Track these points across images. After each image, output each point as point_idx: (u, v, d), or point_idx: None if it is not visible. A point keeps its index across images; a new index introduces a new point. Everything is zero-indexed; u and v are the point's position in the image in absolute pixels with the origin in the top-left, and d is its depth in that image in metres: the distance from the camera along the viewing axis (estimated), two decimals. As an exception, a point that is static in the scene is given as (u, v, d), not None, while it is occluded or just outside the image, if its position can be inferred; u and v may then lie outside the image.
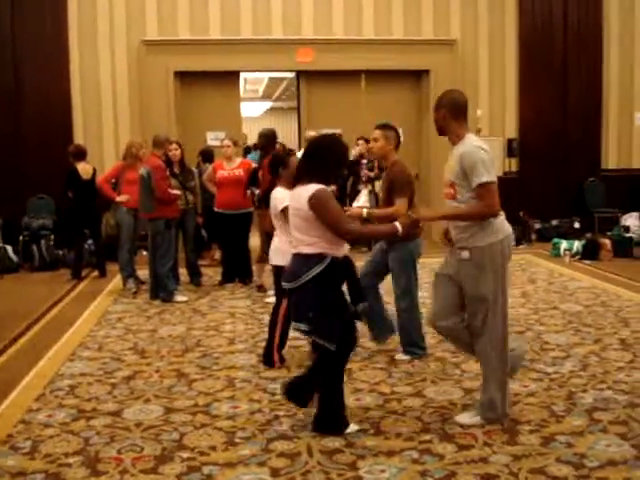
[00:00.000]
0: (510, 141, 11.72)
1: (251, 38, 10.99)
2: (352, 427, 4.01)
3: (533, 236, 11.38)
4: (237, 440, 3.92)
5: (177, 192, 7.72)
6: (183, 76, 11.06)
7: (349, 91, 11.36)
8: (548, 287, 7.97)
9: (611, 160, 12.14)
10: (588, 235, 10.74)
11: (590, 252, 9.76)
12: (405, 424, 4.11)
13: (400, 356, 5.39)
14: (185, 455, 3.73)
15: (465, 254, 4.00)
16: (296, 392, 4.12)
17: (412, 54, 11.26)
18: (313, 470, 3.53)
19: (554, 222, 11.54)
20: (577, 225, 11.45)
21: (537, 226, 11.50)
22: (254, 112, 22.81)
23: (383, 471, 3.52)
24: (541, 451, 3.70)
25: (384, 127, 5.45)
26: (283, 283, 4.03)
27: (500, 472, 3.47)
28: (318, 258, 3.85)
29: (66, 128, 10.71)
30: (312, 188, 3.85)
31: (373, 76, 11.41)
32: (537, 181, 11.56)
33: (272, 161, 5.77)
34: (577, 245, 9.94)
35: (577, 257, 9.73)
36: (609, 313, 6.68)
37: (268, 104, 23.38)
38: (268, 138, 7.83)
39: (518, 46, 11.68)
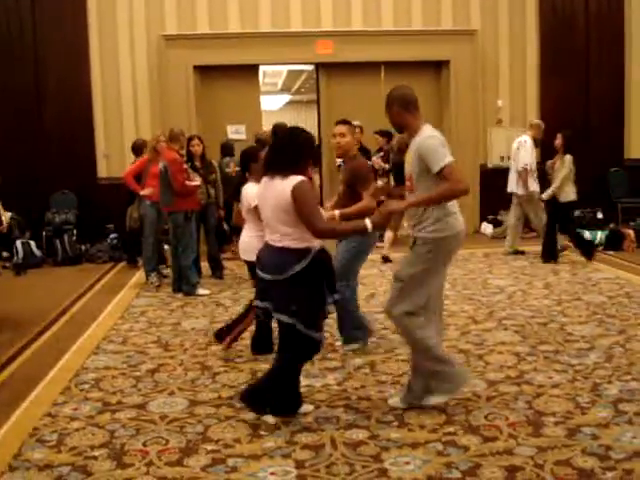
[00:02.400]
0: (532, 131, 11.63)
1: (270, 31, 10.99)
2: (305, 407, 4.19)
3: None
4: (261, 432, 3.93)
5: (196, 183, 7.72)
6: (203, 70, 11.08)
7: (369, 83, 11.32)
8: (571, 278, 7.92)
9: (634, 149, 12.00)
10: (611, 225, 10.66)
11: (613, 242, 9.69)
12: (429, 416, 4.10)
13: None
14: (210, 447, 3.75)
15: (412, 242, 4.15)
16: (256, 398, 4.17)
17: (432, 45, 11.21)
18: (338, 462, 3.54)
19: (577, 212, 11.41)
20: (600, 215, 11.33)
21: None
22: (273, 105, 22.79)
23: (407, 463, 3.51)
24: (566, 443, 3.67)
25: (346, 122, 5.51)
26: (264, 275, 4.04)
27: (525, 464, 3.45)
28: (304, 252, 3.90)
29: (87, 124, 10.80)
30: (295, 179, 3.87)
31: (393, 67, 11.35)
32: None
33: (242, 156, 5.77)
34: (600, 235, 9.86)
35: (600, 248, 9.65)
36: (633, 304, 6.62)
37: (287, 97, 23.36)
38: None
39: (539, 35, 11.58)
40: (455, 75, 11.33)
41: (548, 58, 11.59)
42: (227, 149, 10.03)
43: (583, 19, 11.56)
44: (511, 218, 9.65)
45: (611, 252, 9.45)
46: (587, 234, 9.90)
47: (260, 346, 5.36)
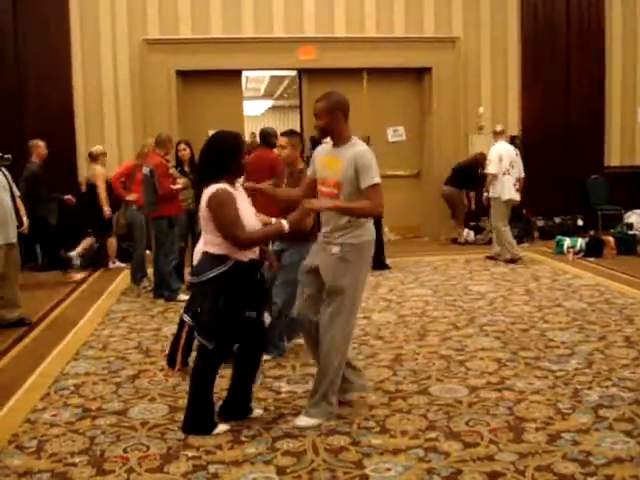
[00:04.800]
0: (513, 138, 11.68)
1: (253, 36, 10.99)
2: (221, 427, 4.03)
3: (536, 234, 11.39)
4: (243, 438, 3.91)
5: (178, 186, 7.69)
6: (185, 75, 11.06)
7: (351, 89, 11.22)
8: (552, 285, 7.96)
9: (614, 157, 12.14)
10: (591, 232, 10.76)
11: (594, 249, 9.75)
12: (410, 422, 4.10)
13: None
14: (191, 454, 3.73)
15: (335, 249, 4.07)
16: (233, 409, 4.18)
17: (414, 51, 11.27)
18: (319, 468, 3.53)
19: (557, 219, 11.55)
20: (580, 222, 11.46)
21: (540, 223, 11.49)
22: (256, 111, 22.78)
23: (389, 469, 3.51)
24: (547, 449, 3.69)
25: (290, 134, 5.49)
26: (188, 277, 4.12)
27: (506, 470, 3.46)
28: (221, 259, 3.89)
29: (69, 128, 10.72)
30: (213, 188, 3.88)
31: (375, 74, 11.41)
32: (540, 178, 11.51)
33: None
34: (580, 242, 9.92)
35: (581, 254, 9.72)
36: (613, 310, 6.67)
37: (270, 102, 23.35)
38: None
39: (520, 43, 11.67)
40: (437, 82, 11.39)
41: (529, 65, 11.69)
42: None
43: (564, 27, 11.67)
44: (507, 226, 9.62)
45: (591, 259, 9.52)
46: (568, 241, 9.97)
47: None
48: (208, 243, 3.98)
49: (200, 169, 4.07)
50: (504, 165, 9.36)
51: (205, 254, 4.00)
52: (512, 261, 9.30)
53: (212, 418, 4.05)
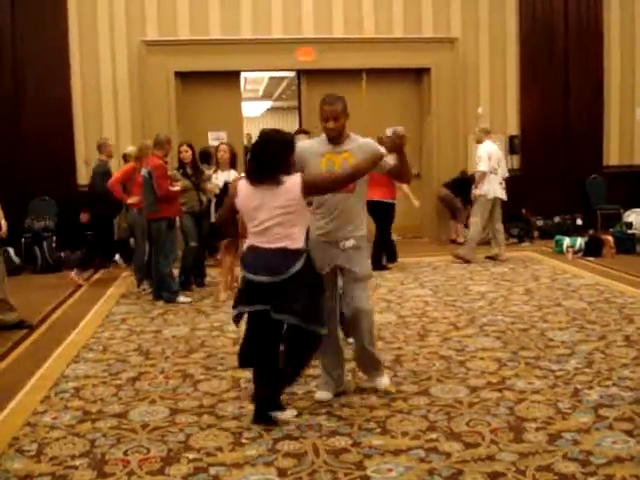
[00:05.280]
0: (512, 138, 11.73)
1: (251, 38, 10.99)
2: (289, 412, 4.26)
3: (535, 233, 11.41)
4: (243, 440, 3.91)
5: (177, 188, 7.68)
6: (184, 76, 11.05)
7: (350, 90, 11.26)
8: (551, 284, 7.97)
9: (613, 156, 12.14)
10: (591, 232, 10.76)
11: (593, 249, 9.76)
12: (411, 423, 4.10)
13: None
14: (191, 456, 3.73)
15: (350, 242, 4.37)
16: (265, 412, 4.21)
17: (413, 52, 11.26)
18: (320, 470, 3.53)
19: (556, 219, 11.55)
20: (579, 222, 11.46)
21: (539, 223, 11.51)
22: (254, 112, 22.78)
23: (390, 470, 3.51)
24: (548, 448, 3.69)
25: (302, 134, 5.87)
26: (263, 277, 4.05)
27: (507, 470, 3.46)
28: (299, 253, 4.06)
29: (67, 129, 10.72)
30: (292, 177, 4.04)
31: (374, 75, 11.41)
32: (539, 178, 11.54)
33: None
34: (580, 242, 9.93)
35: (580, 254, 9.73)
36: (613, 310, 6.68)
37: (268, 104, 23.35)
38: None
39: (519, 43, 11.67)
40: (436, 82, 11.39)
41: (528, 66, 11.69)
42: (204, 156, 9.99)
43: (563, 27, 11.67)
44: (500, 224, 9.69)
45: (591, 258, 9.53)
46: (567, 241, 9.99)
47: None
48: (286, 239, 4.04)
49: (260, 162, 4.09)
50: (492, 164, 9.42)
51: (283, 250, 4.03)
52: (467, 261, 9.37)
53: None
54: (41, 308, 7.41)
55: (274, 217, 4.02)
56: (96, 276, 9.33)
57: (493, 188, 9.47)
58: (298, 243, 4.06)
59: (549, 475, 3.40)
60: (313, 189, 4.09)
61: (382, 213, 8.72)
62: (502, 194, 9.55)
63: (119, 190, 8.42)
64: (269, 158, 4.04)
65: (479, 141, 9.65)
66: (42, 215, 10.39)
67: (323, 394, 4.55)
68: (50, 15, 10.55)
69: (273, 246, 4.04)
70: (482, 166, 9.44)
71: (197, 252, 8.21)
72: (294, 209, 4.02)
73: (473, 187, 9.70)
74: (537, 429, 3.94)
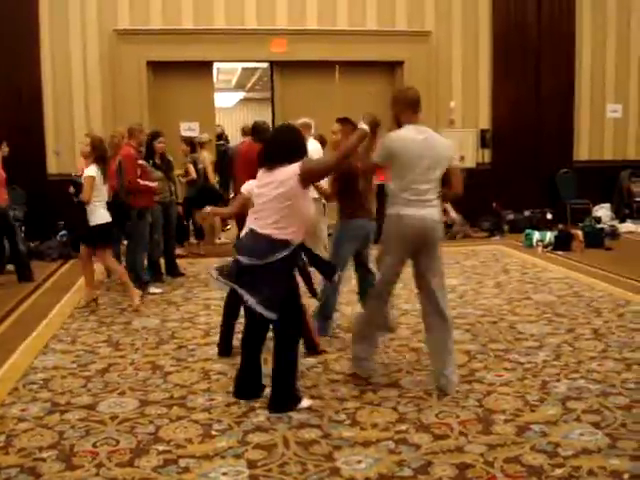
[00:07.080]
0: (483, 132, 11.80)
1: (224, 28, 10.93)
2: (305, 402, 4.24)
3: (506, 227, 11.47)
4: (213, 432, 3.91)
5: (153, 184, 7.61)
6: (156, 66, 10.97)
7: (323, 82, 11.34)
8: (521, 277, 8.04)
9: (583, 152, 12.28)
10: (560, 226, 10.85)
11: (562, 243, 9.85)
12: (381, 414, 4.13)
13: None
14: (161, 448, 3.71)
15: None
16: (248, 388, 4.37)
17: (386, 45, 11.27)
18: (290, 462, 3.53)
19: (527, 213, 11.64)
20: (549, 216, 11.56)
21: (510, 217, 11.58)
22: (227, 102, 22.69)
23: (360, 462, 3.53)
24: (516, 440, 3.73)
25: (344, 121, 5.93)
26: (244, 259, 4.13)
27: (476, 461, 3.49)
28: (284, 244, 4.10)
29: (37, 118, 10.60)
30: (292, 166, 4.08)
31: (347, 67, 11.41)
32: (510, 172, 11.63)
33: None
34: (549, 236, 10.03)
35: (549, 248, 9.83)
36: (582, 303, 6.75)
37: (241, 94, 23.27)
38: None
39: (492, 38, 11.74)
40: (409, 76, 11.41)
41: (500, 60, 11.76)
42: (194, 145, 10.05)
43: (535, 22, 11.75)
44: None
45: (560, 252, 9.62)
46: (537, 235, 10.08)
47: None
48: (273, 227, 4.08)
49: (273, 152, 4.20)
50: None
51: (267, 238, 4.08)
52: None
53: (298, 392, 4.30)
54: (9, 298, 7.31)
55: (268, 202, 4.12)
56: (67, 265, 9.23)
57: None
58: (285, 235, 4.08)
59: (517, 467, 3.43)
60: (308, 175, 4.11)
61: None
62: None
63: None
64: (280, 147, 4.19)
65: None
66: (11, 205, 10.22)
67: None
68: (20, 2, 10.39)
69: (260, 231, 4.13)
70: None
71: (165, 244, 8.18)
72: (289, 197, 4.06)
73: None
74: (505, 421, 3.98)
